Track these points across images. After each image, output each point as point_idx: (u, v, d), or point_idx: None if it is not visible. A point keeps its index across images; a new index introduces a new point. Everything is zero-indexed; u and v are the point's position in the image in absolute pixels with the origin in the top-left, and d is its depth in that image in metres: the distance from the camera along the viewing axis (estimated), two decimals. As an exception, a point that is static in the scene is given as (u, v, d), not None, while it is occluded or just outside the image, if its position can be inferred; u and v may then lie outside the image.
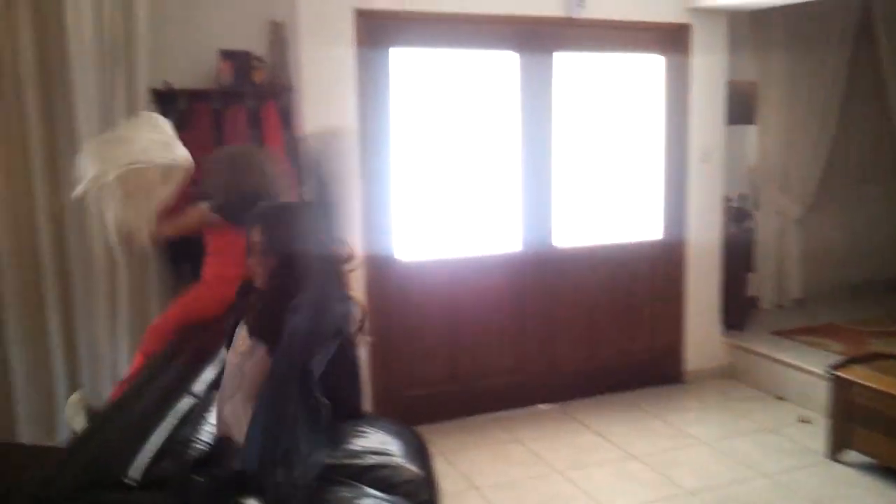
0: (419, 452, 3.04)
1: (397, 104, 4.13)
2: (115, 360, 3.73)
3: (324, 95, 3.91)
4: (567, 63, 4.49)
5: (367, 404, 3.47)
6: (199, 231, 3.38)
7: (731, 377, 5.01)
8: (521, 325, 4.53)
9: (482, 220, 4.42)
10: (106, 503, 1.56)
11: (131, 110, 3.58)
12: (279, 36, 4.02)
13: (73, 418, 3.15)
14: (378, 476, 2.74)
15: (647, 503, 3.44)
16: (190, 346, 2.69)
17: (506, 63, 4.37)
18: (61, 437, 3.72)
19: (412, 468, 2.86)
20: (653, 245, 4.88)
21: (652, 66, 4.73)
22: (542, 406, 4.59)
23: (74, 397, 3.24)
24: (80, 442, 1.92)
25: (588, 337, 4.73)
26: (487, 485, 3.61)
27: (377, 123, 4.07)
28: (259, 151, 3.55)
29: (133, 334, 3.66)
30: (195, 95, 3.82)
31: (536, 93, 4.42)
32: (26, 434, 3.71)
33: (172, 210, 3.35)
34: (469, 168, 4.35)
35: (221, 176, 3.28)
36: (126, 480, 1.64)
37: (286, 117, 3.98)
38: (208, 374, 2.33)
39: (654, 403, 4.61)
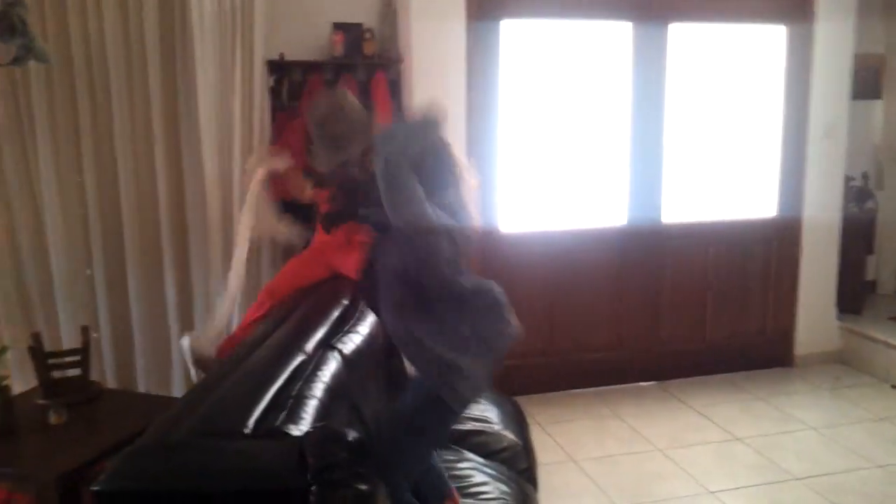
0: (517, 421, 3.09)
1: (506, 76, 4.12)
2: (229, 320, 3.93)
3: (433, 67, 3.95)
4: (682, 34, 4.35)
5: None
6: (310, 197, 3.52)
7: (844, 363, 4.80)
8: (624, 301, 4.48)
9: (588, 193, 4.38)
10: (223, 450, 1.65)
11: (248, 81, 3.73)
12: (390, 8, 4.09)
13: (186, 354, 3.33)
14: (476, 442, 2.82)
15: (751, 487, 3.37)
16: (302, 306, 2.80)
17: (618, 34, 4.28)
18: (176, 389, 3.99)
19: (510, 436, 2.92)
20: (767, 223, 4.71)
21: (771, 38, 4.53)
22: (642, 383, 4.54)
23: (185, 340, 3.41)
24: (198, 392, 2.03)
25: (694, 315, 4.63)
26: (585, 458, 3.61)
27: (485, 95, 4.09)
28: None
29: (245, 293, 3.84)
30: (308, 67, 3.95)
31: (650, 64, 4.32)
32: (144, 385, 3.99)
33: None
34: (577, 140, 4.30)
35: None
36: (243, 430, 1.74)
37: (395, 89, 4.05)
38: (319, 333, 2.43)
39: (761, 386, 4.48)
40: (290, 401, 1.91)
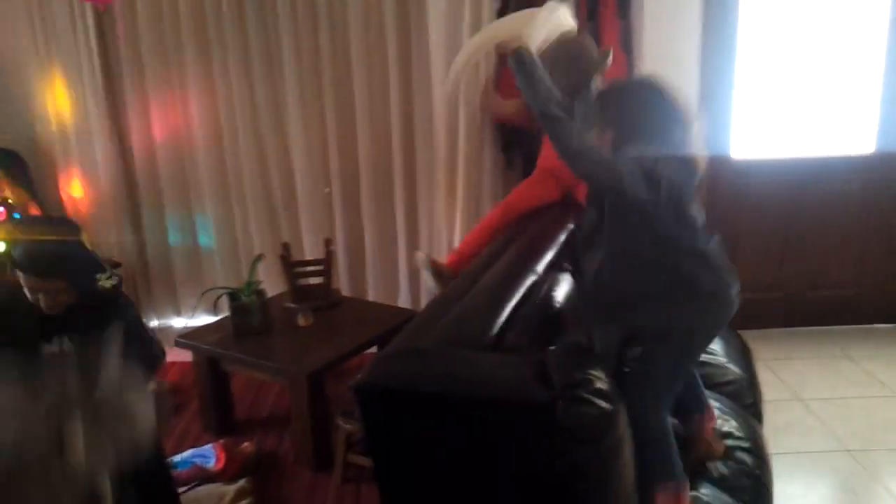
0: (742, 355, 2.99)
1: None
2: (452, 241, 4.10)
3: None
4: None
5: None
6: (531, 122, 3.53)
7: None
8: (865, 236, 4.12)
9: (829, 118, 4.02)
10: (470, 358, 1.75)
11: (476, 5, 3.75)
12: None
13: (423, 264, 3.51)
14: (701, 372, 2.76)
15: None
16: (527, 230, 2.86)
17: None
18: (402, 300, 4.25)
19: (735, 370, 2.84)
20: None
21: None
22: (878, 325, 4.21)
23: (419, 257, 3.59)
24: (439, 305, 2.16)
25: (945, 255, 4.17)
26: (813, 398, 3.44)
27: (723, 9, 3.83)
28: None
29: (468, 218, 3.98)
30: (535, -13, 3.89)
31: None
32: (373, 295, 4.29)
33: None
34: (819, 59, 3.93)
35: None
36: (485, 342, 1.84)
37: (623, 8, 3.90)
38: (548, 255, 2.48)
39: None
40: (527, 318, 1.98)
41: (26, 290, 2.14)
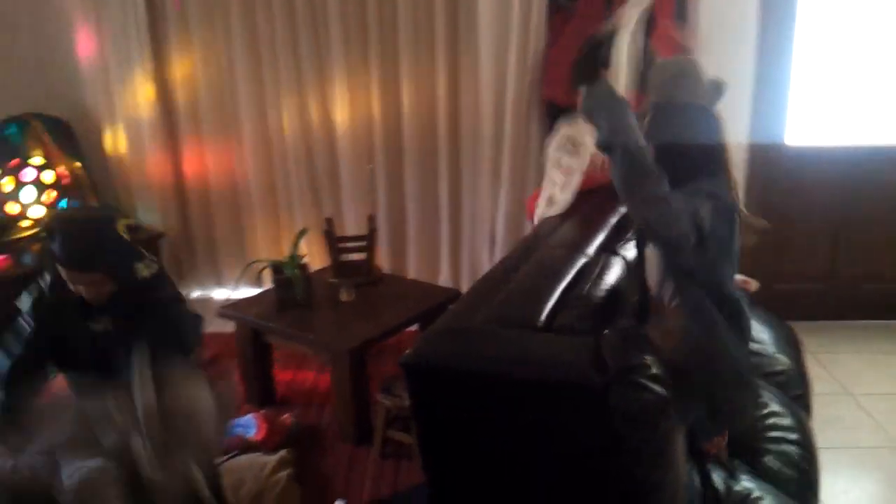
0: (791, 346, 2.92)
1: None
2: (494, 221, 4.06)
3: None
4: None
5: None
6: None
7: None
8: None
9: (890, 105, 3.88)
10: (520, 339, 1.73)
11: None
12: None
13: None
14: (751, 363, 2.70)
15: None
16: (580, 211, 2.82)
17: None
18: (442, 279, 4.23)
19: (784, 359, 2.78)
20: None
21: None
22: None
23: None
24: (488, 284, 2.13)
25: None
26: (863, 393, 3.35)
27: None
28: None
29: (511, 202, 3.93)
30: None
31: None
32: (414, 272, 4.28)
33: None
34: (882, 43, 3.79)
35: None
36: (536, 323, 1.80)
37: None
38: (599, 238, 2.44)
39: None
40: (578, 300, 1.94)
41: (68, 283, 2.15)
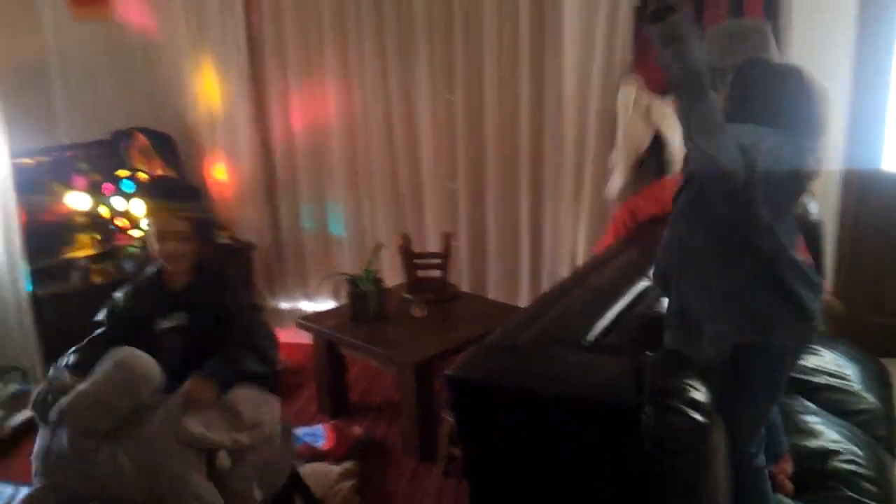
0: (880, 384, 2.77)
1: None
2: (575, 243, 4.02)
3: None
4: None
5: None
6: None
7: None
8: None
9: None
10: (563, 357, 1.71)
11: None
12: None
13: None
14: (829, 398, 2.58)
15: None
16: (647, 233, 2.76)
17: None
18: (521, 300, 4.21)
19: (870, 398, 2.63)
20: None
21: None
22: None
23: None
24: (544, 302, 2.12)
25: None
26: (963, 439, 3.11)
27: (881, 14, 3.53)
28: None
29: (592, 223, 3.88)
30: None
31: None
32: (493, 292, 4.28)
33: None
34: None
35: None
36: (582, 343, 1.79)
37: (771, 7, 3.67)
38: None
39: None
40: (631, 322, 1.91)
41: (154, 240, 2.32)
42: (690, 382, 1.52)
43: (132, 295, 2.45)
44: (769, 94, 1.80)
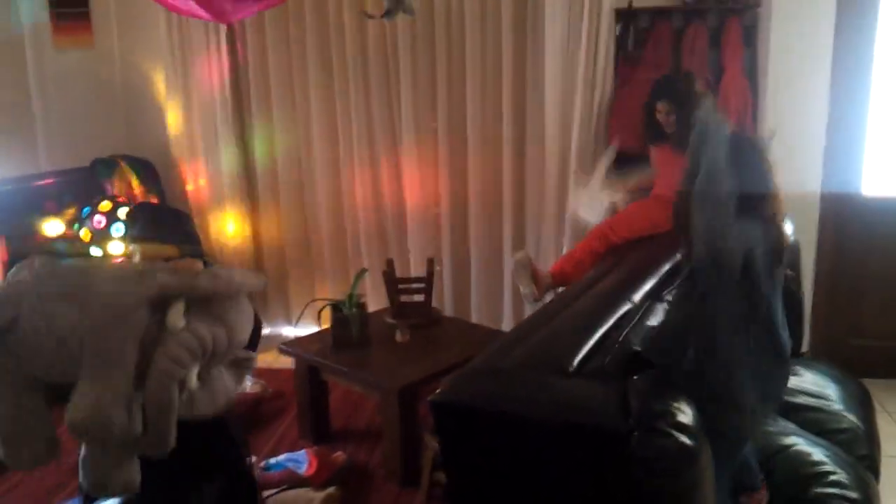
0: (861, 404, 2.78)
1: (887, 17, 3.59)
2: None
3: (795, 10, 3.59)
4: None
5: (803, 345, 3.27)
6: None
7: None
8: None
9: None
10: (548, 382, 1.71)
11: (594, 30, 3.71)
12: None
13: (518, 273, 3.50)
14: (809, 418, 2.59)
15: None
16: (631, 257, 2.78)
17: None
18: (505, 324, 4.21)
19: (851, 418, 2.64)
20: None
21: None
22: None
23: (520, 255, 3.58)
24: (527, 326, 2.12)
25: None
26: (943, 459, 3.14)
27: (857, 40, 3.61)
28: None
29: (577, 239, 3.91)
30: (657, 13, 3.81)
31: None
32: (476, 317, 4.29)
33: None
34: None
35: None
36: (567, 367, 1.79)
37: (749, 36, 3.76)
38: (648, 285, 2.40)
39: None
40: (614, 346, 1.91)
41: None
42: (677, 405, 1.52)
43: None
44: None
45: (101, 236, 3.91)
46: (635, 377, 1.66)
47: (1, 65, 4.00)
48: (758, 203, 1.85)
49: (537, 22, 3.83)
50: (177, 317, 2.03)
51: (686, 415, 1.52)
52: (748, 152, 1.85)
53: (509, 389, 1.71)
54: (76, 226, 3.94)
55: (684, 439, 1.46)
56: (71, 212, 3.98)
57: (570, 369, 1.79)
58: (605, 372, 1.77)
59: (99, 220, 3.93)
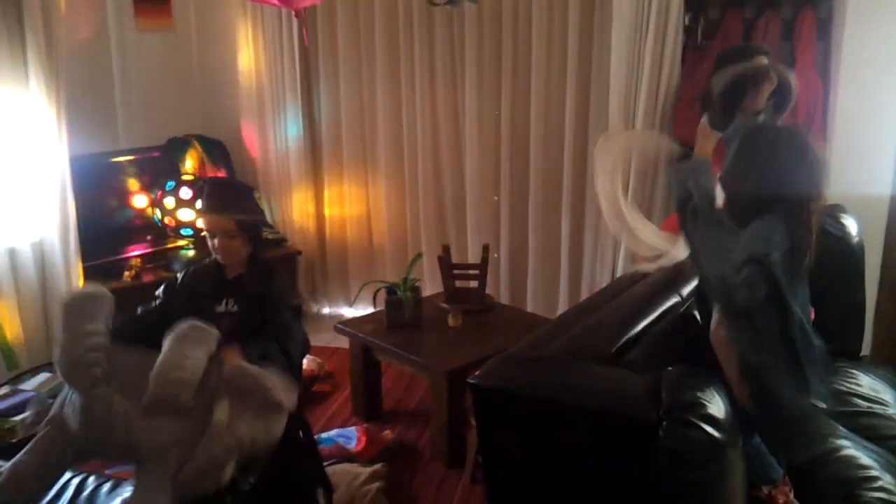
0: (920, 410, 2.70)
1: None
2: (615, 258, 4.02)
3: (871, 4, 3.46)
4: None
5: (865, 348, 3.17)
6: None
7: None
8: None
9: None
10: (585, 370, 1.74)
11: (663, 18, 3.65)
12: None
13: None
14: (864, 423, 2.53)
15: None
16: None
17: None
18: (560, 312, 4.21)
19: (909, 421, 2.57)
20: None
21: None
22: None
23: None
24: (572, 316, 2.15)
25: None
26: None
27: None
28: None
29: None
30: (728, 3, 3.73)
31: None
32: (531, 305, 4.30)
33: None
34: None
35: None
36: (604, 356, 1.81)
37: (824, 30, 3.65)
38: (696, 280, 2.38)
39: None
40: (654, 337, 1.92)
41: (207, 237, 2.48)
42: (706, 397, 1.53)
43: (192, 274, 2.57)
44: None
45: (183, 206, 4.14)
46: (669, 368, 1.67)
47: (87, 45, 4.19)
48: (788, 202, 1.75)
49: (604, 10, 3.81)
50: (222, 413, 1.96)
51: (716, 407, 1.53)
52: (787, 148, 1.77)
53: (545, 376, 1.75)
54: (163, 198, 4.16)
55: (712, 431, 1.47)
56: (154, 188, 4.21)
57: (608, 359, 1.81)
58: (640, 362, 1.78)
59: (186, 192, 4.15)
